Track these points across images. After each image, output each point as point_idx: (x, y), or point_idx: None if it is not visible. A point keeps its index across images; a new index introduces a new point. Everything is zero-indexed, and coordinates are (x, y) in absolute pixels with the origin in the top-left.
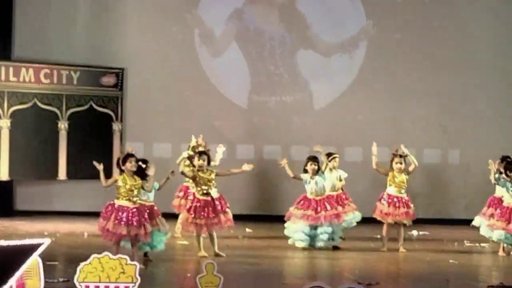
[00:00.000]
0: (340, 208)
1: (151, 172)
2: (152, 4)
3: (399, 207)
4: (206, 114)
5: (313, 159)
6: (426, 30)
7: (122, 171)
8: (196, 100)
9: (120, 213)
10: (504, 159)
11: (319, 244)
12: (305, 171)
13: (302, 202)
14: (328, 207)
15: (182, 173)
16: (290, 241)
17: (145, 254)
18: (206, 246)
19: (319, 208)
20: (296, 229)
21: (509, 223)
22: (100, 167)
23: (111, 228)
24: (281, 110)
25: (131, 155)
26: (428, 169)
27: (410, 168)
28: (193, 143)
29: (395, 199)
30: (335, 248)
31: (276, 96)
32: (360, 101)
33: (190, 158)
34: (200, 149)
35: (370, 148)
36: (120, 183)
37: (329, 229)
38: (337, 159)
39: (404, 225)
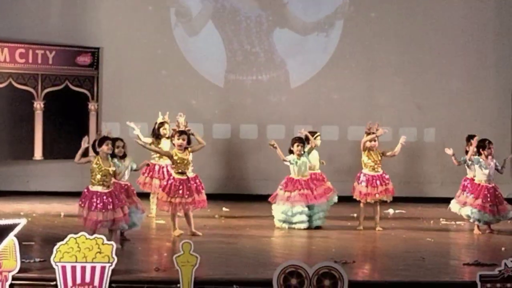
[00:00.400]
0: (318, 189)
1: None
2: None
3: (376, 186)
4: (182, 93)
5: (299, 140)
6: (402, 9)
7: (97, 153)
8: (172, 79)
9: (94, 199)
10: (470, 138)
11: (317, 223)
12: (290, 151)
13: (289, 184)
14: (308, 190)
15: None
16: (282, 225)
17: (122, 234)
18: (183, 225)
19: (313, 187)
20: (294, 212)
21: (477, 199)
22: (84, 145)
23: (86, 215)
24: (257, 89)
25: (108, 138)
26: (404, 148)
27: (388, 153)
28: (159, 119)
29: (372, 178)
30: (317, 227)
31: (253, 75)
32: (336, 80)
33: (156, 135)
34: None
35: (346, 126)
36: (94, 165)
37: (324, 207)
38: (319, 138)
39: (382, 202)
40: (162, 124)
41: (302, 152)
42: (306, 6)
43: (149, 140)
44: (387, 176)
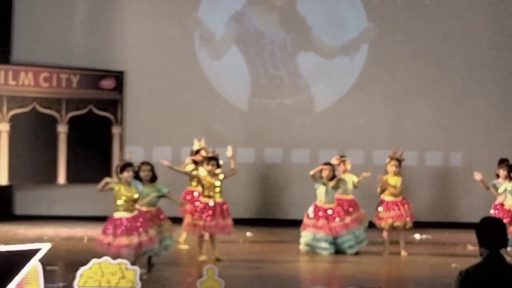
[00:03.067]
0: (348, 218)
1: None
2: (152, 6)
3: (390, 210)
4: (206, 117)
5: (327, 163)
6: (427, 32)
7: (119, 179)
8: (196, 103)
9: (118, 225)
10: (502, 161)
11: (349, 251)
12: (321, 177)
13: (313, 212)
14: (337, 219)
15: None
16: (305, 248)
17: (149, 259)
18: (206, 250)
19: (331, 218)
20: (318, 239)
21: (510, 225)
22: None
23: (111, 241)
24: (281, 113)
25: (129, 165)
26: (430, 172)
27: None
28: (195, 146)
29: (388, 203)
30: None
31: (277, 99)
32: (361, 104)
33: (195, 162)
34: (209, 154)
35: (371, 150)
36: (116, 191)
37: (350, 236)
38: (348, 162)
39: (405, 228)
40: (198, 151)
41: (331, 177)
42: (330, 30)
43: (190, 167)
44: (406, 202)
